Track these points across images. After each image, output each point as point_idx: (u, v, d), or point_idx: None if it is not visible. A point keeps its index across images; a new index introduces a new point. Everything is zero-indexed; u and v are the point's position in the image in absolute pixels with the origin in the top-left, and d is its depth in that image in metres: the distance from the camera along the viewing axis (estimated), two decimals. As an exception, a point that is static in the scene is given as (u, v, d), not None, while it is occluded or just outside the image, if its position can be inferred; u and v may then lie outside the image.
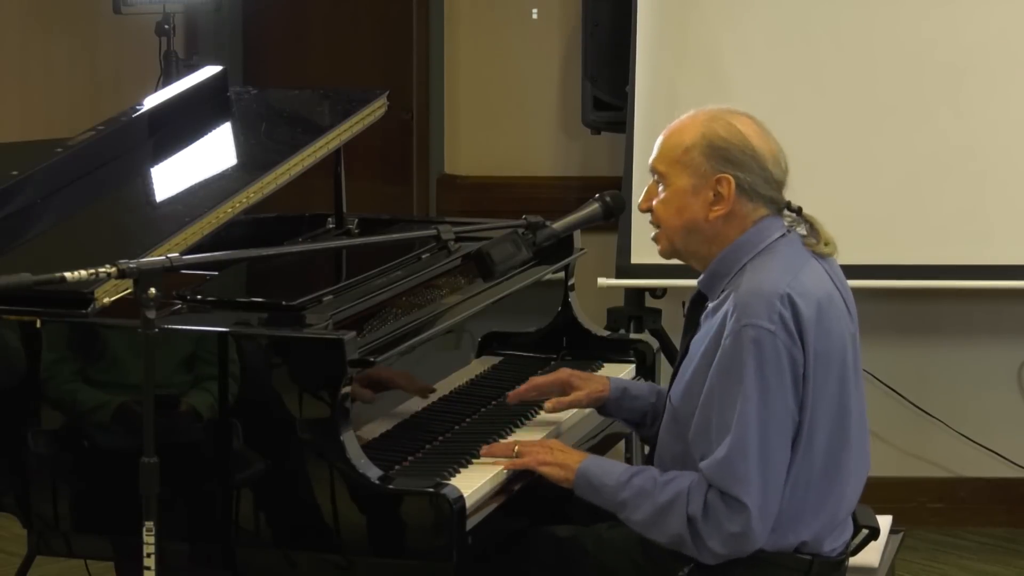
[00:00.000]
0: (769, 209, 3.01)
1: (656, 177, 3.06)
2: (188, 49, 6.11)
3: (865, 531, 3.16)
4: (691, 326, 3.11)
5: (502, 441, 3.23)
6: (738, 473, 2.88)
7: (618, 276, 4.88)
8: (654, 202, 3.06)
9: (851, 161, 4.84)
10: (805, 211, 3.07)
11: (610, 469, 3.04)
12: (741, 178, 2.97)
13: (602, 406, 3.37)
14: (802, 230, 3.05)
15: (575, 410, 3.43)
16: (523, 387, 3.36)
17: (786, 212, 3.05)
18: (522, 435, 3.31)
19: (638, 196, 3.14)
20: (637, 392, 3.36)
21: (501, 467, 3.09)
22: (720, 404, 2.91)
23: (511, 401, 3.36)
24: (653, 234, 3.10)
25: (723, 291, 3.00)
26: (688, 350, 3.06)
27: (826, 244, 3.03)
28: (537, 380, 3.38)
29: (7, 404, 3.15)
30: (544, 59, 5.57)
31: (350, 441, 2.93)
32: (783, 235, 3.02)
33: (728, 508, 2.89)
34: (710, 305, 3.03)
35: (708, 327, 2.99)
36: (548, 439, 3.20)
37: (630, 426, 3.44)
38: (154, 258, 2.80)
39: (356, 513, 2.93)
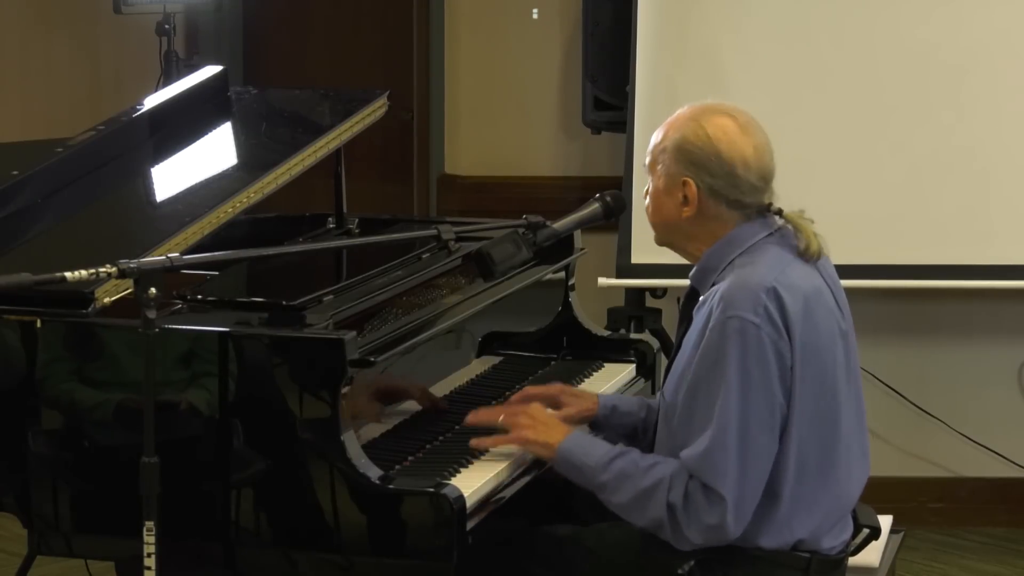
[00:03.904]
0: (742, 211, 3.02)
1: (648, 172, 3.12)
2: (188, 49, 6.12)
3: (866, 531, 3.16)
4: (684, 321, 3.12)
5: (487, 410, 3.23)
6: (717, 465, 2.89)
7: (618, 276, 4.88)
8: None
9: (852, 161, 4.84)
10: (804, 213, 3.06)
11: (592, 449, 3.05)
12: (704, 181, 3.00)
13: (592, 423, 3.37)
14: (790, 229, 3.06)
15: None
16: (517, 396, 3.34)
17: (769, 215, 3.05)
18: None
19: (638, 196, 3.16)
20: (626, 409, 3.35)
21: (502, 467, 3.10)
22: (703, 394, 2.93)
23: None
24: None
25: (713, 285, 3.01)
26: (681, 345, 3.07)
27: (807, 248, 3.02)
28: (531, 391, 3.36)
29: (8, 404, 3.15)
30: (544, 59, 5.57)
31: (350, 441, 2.93)
32: (772, 233, 3.03)
33: (707, 499, 2.90)
34: (701, 299, 3.04)
35: (697, 321, 3.00)
36: (532, 406, 3.19)
37: (621, 440, 3.43)
38: (154, 258, 2.80)
39: (356, 513, 2.93)
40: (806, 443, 2.95)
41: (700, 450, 2.91)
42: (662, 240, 3.13)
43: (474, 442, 3.15)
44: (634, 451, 3.05)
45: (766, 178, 3.03)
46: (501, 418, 3.15)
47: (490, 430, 3.17)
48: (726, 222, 3.02)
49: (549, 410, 3.30)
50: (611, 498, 3.01)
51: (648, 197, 3.11)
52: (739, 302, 2.91)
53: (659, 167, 3.05)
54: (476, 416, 3.21)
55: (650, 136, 3.11)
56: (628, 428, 3.34)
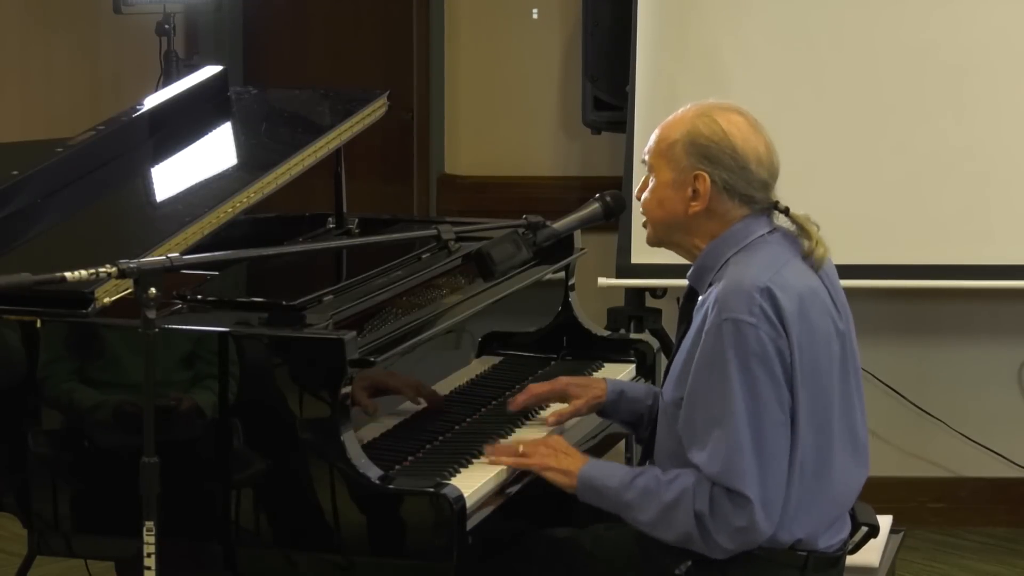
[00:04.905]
0: (751, 208, 3.02)
1: (647, 168, 3.08)
2: (188, 49, 6.12)
3: (864, 528, 3.16)
4: (684, 321, 3.12)
5: (505, 441, 3.23)
6: (736, 467, 2.88)
7: (618, 276, 4.88)
8: (645, 194, 3.09)
9: (851, 161, 4.84)
10: (802, 212, 3.06)
11: (612, 472, 3.04)
12: (719, 176, 2.98)
13: (600, 409, 3.38)
14: (791, 229, 3.06)
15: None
16: (522, 395, 3.35)
17: (775, 212, 3.05)
18: (523, 434, 3.31)
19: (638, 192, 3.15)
20: (634, 395, 3.36)
21: (502, 467, 3.10)
22: (706, 399, 2.92)
23: (512, 409, 3.36)
24: (643, 220, 3.12)
25: (710, 285, 3.01)
26: (680, 346, 3.07)
27: (817, 244, 3.02)
28: (536, 389, 3.37)
29: (8, 404, 3.15)
30: (544, 59, 5.57)
31: (350, 441, 2.93)
32: (769, 231, 3.03)
33: (732, 503, 2.89)
34: (700, 300, 3.04)
35: (695, 322, 3.00)
36: (551, 438, 3.20)
37: (627, 427, 3.44)
38: (154, 258, 2.80)
39: (356, 513, 2.93)
40: (804, 442, 2.94)
41: (716, 455, 2.90)
42: (658, 238, 3.11)
43: (493, 460, 3.13)
44: (654, 468, 3.04)
45: (774, 176, 3.03)
46: (521, 448, 3.14)
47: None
48: (728, 219, 3.01)
49: (561, 405, 3.30)
50: (638, 516, 2.99)
51: (647, 193, 3.08)
52: (733, 304, 2.90)
53: (665, 161, 3.03)
54: (495, 450, 3.17)
55: (650, 136, 3.10)
56: (635, 415, 3.34)
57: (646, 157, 3.08)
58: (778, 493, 2.91)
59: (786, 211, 3.04)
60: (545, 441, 3.16)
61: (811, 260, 3.01)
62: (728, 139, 2.98)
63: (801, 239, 3.03)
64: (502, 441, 3.24)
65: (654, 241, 3.13)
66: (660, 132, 3.06)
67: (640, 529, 3.00)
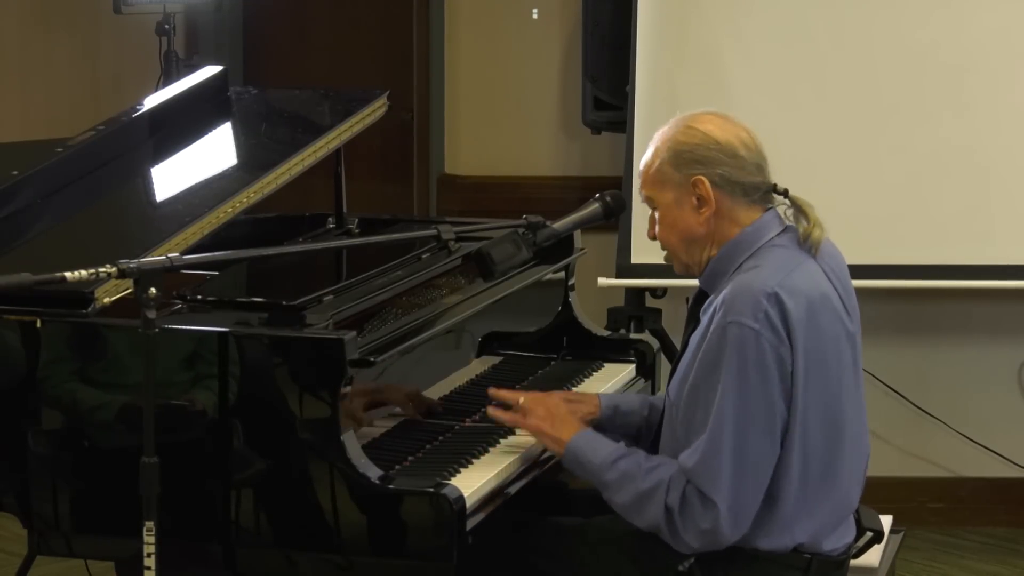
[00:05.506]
0: (751, 199, 3.01)
1: (648, 205, 3.09)
2: (188, 49, 6.12)
3: (869, 534, 3.16)
4: (692, 321, 3.12)
5: (509, 391, 3.25)
6: (710, 471, 2.89)
7: (618, 276, 4.88)
8: (656, 229, 3.08)
9: (852, 161, 4.84)
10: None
11: (599, 448, 3.06)
12: (715, 174, 2.99)
13: (595, 425, 3.37)
14: (790, 215, 3.05)
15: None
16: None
17: (775, 196, 3.05)
18: (523, 434, 3.30)
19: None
20: (628, 408, 3.35)
21: (502, 467, 3.10)
22: (702, 399, 2.93)
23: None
24: (665, 255, 3.13)
25: (722, 288, 3.00)
26: (687, 345, 3.07)
27: (814, 225, 3.01)
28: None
29: (8, 404, 3.15)
30: (544, 59, 5.57)
31: (350, 441, 2.93)
32: (779, 233, 3.02)
33: (702, 504, 2.90)
34: (708, 301, 3.04)
35: (703, 323, 3.00)
36: (552, 400, 3.22)
37: (624, 439, 3.43)
38: (154, 258, 2.80)
39: (356, 513, 2.93)
40: (810, 448, 2.94)
41: (695, 455, 2.91)
42: (684, 263, 3.08)
43: (491, 411, 3.19)
44: (639, 452, 3.05)
45: (764, 158, 3.04)
46: (521, 399, 3.17)
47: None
48: (739, 220, 3.01)
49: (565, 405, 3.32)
50: (613, 497, 3.01)
51: (658, 226, 3.07)
52: (739, 307, 2.90)
53: (660, 185, 3.03)
54: (497, 393, 3.22)
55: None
56: (632, 428, 3.33)
57: (642, 194, 3.09)
58: (751, 503, 2.92)
59: (785, 193, 3.05)
60: (545, 402, 3.19)
61: (808, 244, 3.00)
62: (709, 136, 3.00)
63: (800, 221, 3.03)
64: (504, 395, 3.25)
65: (684, 270, 3.11)
66: (643, 164, 3.08)
67: (616, 511, 3.01)
